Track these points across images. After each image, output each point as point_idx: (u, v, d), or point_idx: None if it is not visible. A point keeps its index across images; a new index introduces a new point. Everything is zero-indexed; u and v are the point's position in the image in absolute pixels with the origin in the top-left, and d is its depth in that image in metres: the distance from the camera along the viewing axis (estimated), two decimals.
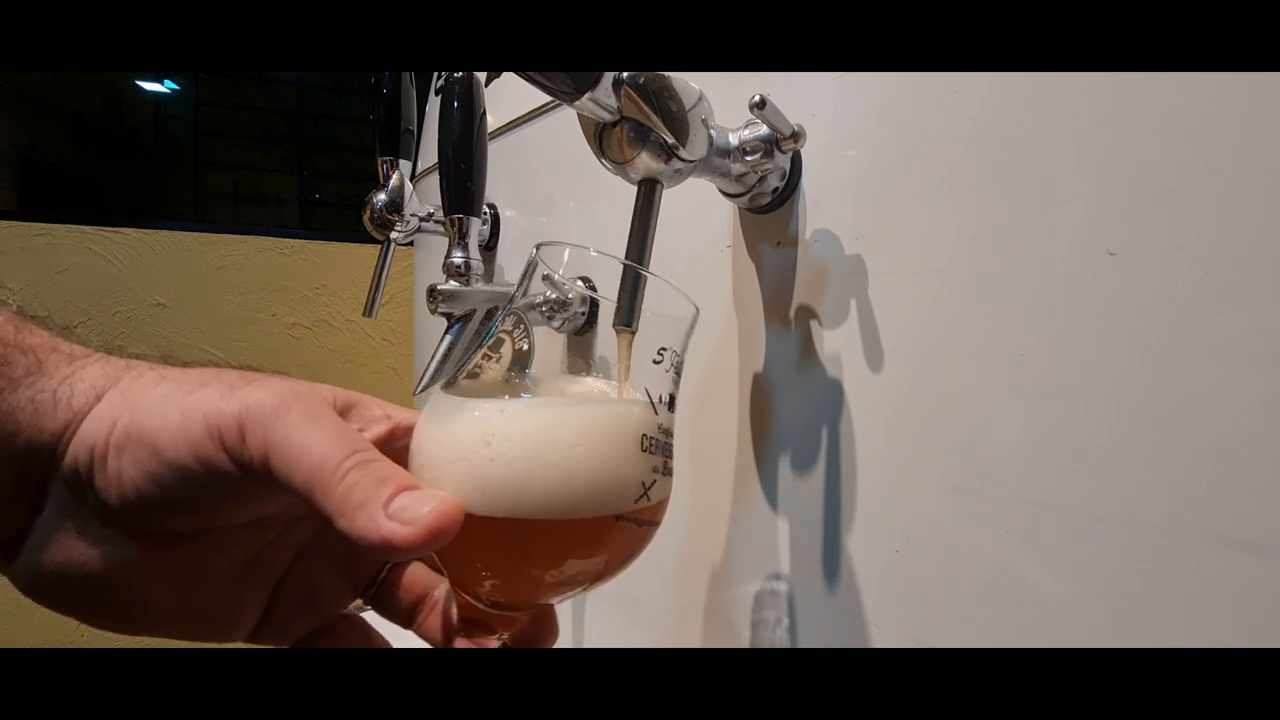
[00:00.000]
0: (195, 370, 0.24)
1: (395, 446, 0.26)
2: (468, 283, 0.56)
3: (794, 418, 0.36)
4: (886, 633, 0.32)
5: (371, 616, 0.30)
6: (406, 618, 0.29)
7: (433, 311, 0.56)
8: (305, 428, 0.21)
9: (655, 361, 0.28)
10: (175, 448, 0.21)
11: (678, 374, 0.28)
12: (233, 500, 0.23)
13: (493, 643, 0.26)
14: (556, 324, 0.49)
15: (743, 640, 0.39)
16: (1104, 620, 0.24)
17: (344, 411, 0.26)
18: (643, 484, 0.24)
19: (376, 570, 0.29)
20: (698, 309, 0.29)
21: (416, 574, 0.29)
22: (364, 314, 0.72)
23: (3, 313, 0.23)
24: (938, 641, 0.29)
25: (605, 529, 0.24)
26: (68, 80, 1.55)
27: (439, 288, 0.55)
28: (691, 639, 0.43)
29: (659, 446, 0.25)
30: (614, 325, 0.27)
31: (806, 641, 0.35)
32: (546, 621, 0.28)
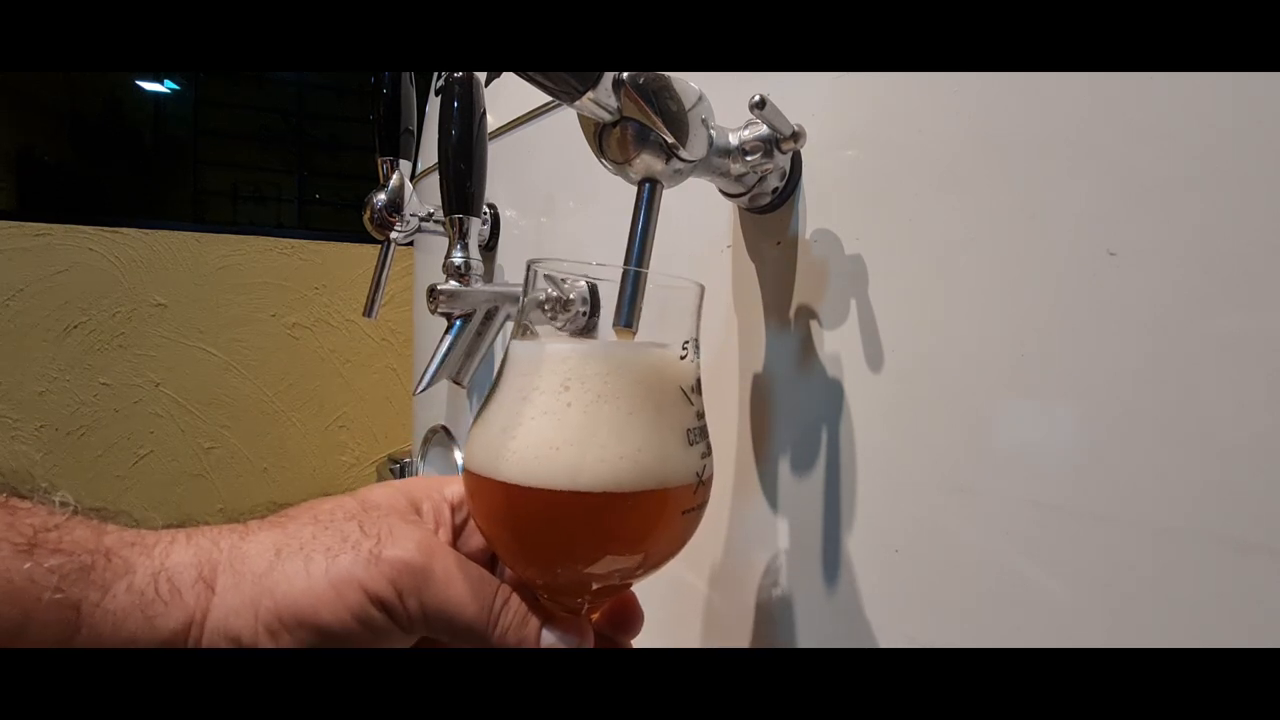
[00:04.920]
0: (295, 527, 0.26)
1: (459, 520, 0.30)
2: (468, 283, 0.56)
3: (794, 417, 0.36)
4: (886, 633, 0.32)
5: None
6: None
7: (433, 311, 0.56)
8: (451, 585, 0.25)
9: (681, 357, 0.29)
10: (338, 618, 0.23)
11: (698, 352, 0.30)
12: (380, 643, 0.25)
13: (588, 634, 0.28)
14: (559, 324, 0.49)
15: (742, 640, 0.39)
16: (1104, 620, 0.24)
17: (415, 510, 0.28)
18: (696, 473, 0.27)
19: None
20: (701, 285, 0.30)
21: None
22: (364, 314, 0.72)
23: (67, 516, 0.23)
24: (938, 642, 0.29)
25: (667, 505, 0.26)
26: (68, 80, 1.55)
27: (439, 288, 0.55)
28: (690, 639, 0.43)
29: (699, 433, 0.28)
30: (614, 326, 0.27)
31: (806, 641, 0.35)
32: (630, 608, 0.31)
